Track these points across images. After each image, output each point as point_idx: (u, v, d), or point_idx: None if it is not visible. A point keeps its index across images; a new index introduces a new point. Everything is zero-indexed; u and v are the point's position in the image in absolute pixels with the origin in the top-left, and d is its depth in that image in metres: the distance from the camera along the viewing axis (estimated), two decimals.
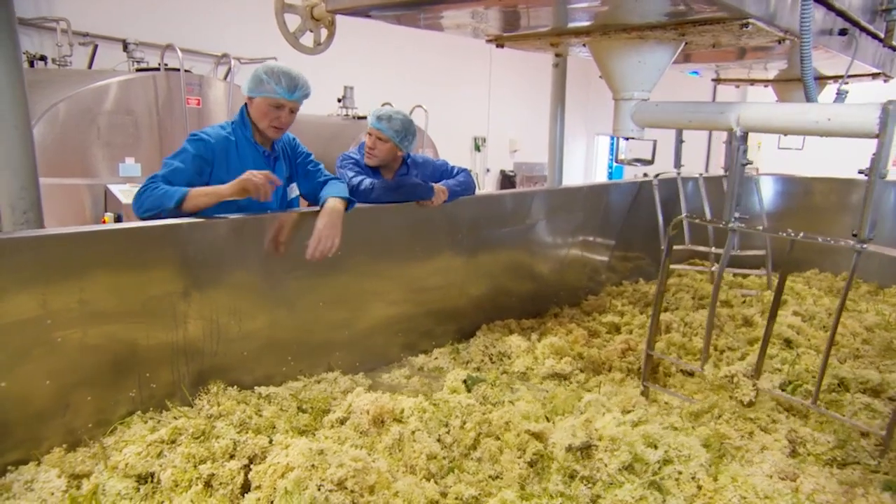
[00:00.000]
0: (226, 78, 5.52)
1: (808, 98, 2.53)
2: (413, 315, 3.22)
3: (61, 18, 4.96)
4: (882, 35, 3.33)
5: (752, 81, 4.74)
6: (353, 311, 2.93)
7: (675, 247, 3.53)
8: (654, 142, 2.93)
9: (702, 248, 4.50)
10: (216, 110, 4.84)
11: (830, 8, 2.72)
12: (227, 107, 4.88)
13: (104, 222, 4.10)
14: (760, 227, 3.13)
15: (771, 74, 4.34)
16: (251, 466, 1.86)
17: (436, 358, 3.14)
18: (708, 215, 4.42)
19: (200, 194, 2.34)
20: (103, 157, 4.21)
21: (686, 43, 2.67)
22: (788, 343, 3.26)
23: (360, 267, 2.88)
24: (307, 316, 2.74)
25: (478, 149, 9.85)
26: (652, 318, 2.69)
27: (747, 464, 2.06)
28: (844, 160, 3.24)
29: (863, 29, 3.09)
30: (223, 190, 2.36)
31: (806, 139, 5.16)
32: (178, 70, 4.56)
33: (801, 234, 2.20)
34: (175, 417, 2.16)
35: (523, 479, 1.94)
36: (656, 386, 2.73)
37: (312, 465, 1.76)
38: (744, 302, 4.15)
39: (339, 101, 6.58)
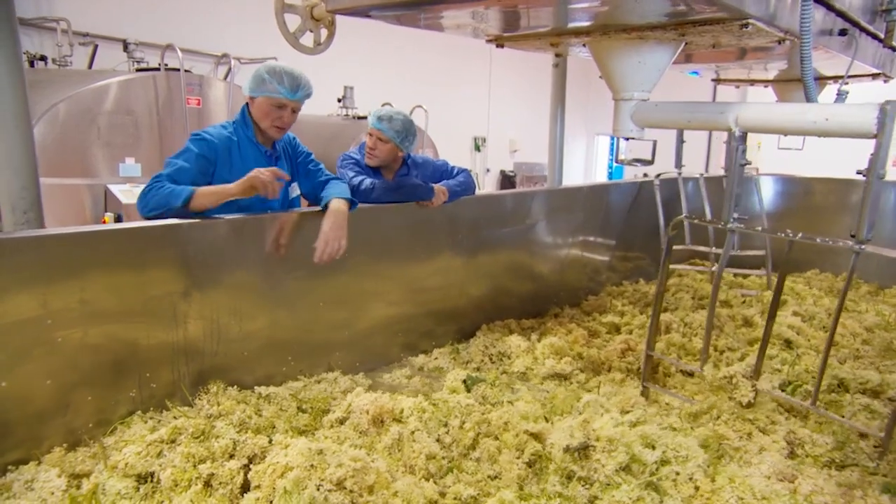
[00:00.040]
0: (226, 78, 5.52)
1: (809, 98, 2.53)
2: (413, 315, 3.22)
3: (61, 18, 4.96)
4: (882, 35, 3.33)
5: (752, 82, 4.74)
6: (353, 311, 2.94)
7: (675, 247, 3.54)
8: (654, 142, 2.93)
9: (702, 249, 4.50)
10: (216, 110, 4.84)
11: (830, 8, 2.72)
12: (227, 107, 4.89)
13: (104, 222, 4.10)
14: (759, 228, 3.13)
15: (771, 75, 4.34)
16: (251, 466, 1.87)
17: (436, 358, 3.14)
18: (708, 215, 4.43)
19: (207, 193, 2.34)
20: (103, 157, 4.21)
21: (686, 43, 2.67)
22: (788, 343, 3.26)
23: (361, 267, 2.89)
24: (307, 316, 2.74)
25: (478, 149, 9.86)
26: (652, 318, 2.69)
27: (745, 465, 2.06)
28: (844, 160, 3.24)
29: (863, 29, 3.09)
30: (231, 189, 2.35)
31: (806, 139, 5.16)
32: (179, 70, 4.56)
33: (800, 235, 2.20)
34: (175, 417, 2.16)
35: (522, 479, 1.94)
36: (656, 386, 2.73)
37: (312, 465, 1.76)
38: (743, 302, 4.15)
39: (339, 101, 6.59)
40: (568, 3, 2.27)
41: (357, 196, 2.81)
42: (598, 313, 3.90)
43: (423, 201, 3.11)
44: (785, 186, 5.54)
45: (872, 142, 1.98)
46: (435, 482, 1.91)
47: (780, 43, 2.65)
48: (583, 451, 1.96)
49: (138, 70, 4.82)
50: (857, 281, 4.84)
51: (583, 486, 1.87)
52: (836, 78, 4.10)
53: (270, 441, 1.98)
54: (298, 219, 2.63)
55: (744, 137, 2.32)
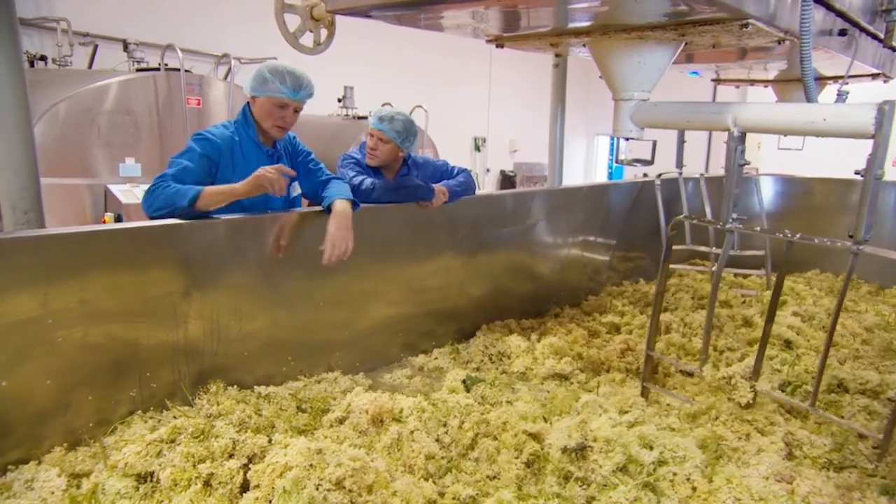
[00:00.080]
0: (226, 78, 5.53)
1: (809, 98, 2.53)
2: (413, 315, 3.23)
3: (61, 18, 4.97)
4: (882, 35, 3.33)
5: (752, 82, 4.74)
6: (353, 311, 2.94)
7: (675, 247, 3.53)
8: (654, 142, 2.93)
9: (702, 249, 4.50)
10: (216, 110, 4.85)
11: (830, 8, 2.72)
12: (227, 107, 4.89)
13: (104, 222, 4.10)
14: (758, 228, 3.13)
15: (771, 75, 4.34)
16: (250, 466, 1.87)
17: (436, 358, 3.14)
18: (709, 215, 4.43)
19: (214, 193, 2.33)
20: (103, 157, 4.22)
21: (686, 43, 2.67)
22: (788, 344, 3.25)
23: (361, 267, 2.89)
24: (307, 316, 2.75)
25: (478, 149, 9.86)
26: (651, 318, 2.69)
27: (743, 465, 2.05)
28: (844, 160, 3.24)
29: (862, 29, 3.09)
30: (237, 188, 2.34)
31: (806, 140, 5.16)
32: (179, 70, 4.57)
33: (798, 235, 2.20)
34: (175, 417, 2.16)
35: (520, 479, 1.94)
36: (656, 387, 2.73)
37: (311, 465, 1.76)
38: (743, 302, 4.15)
39: (340, 101, 6.59)
40: (568, 4, 2.27)
41: (357, 196, 2.82)
42: (598, 313, 3.90)
43: (423, 202, 3.11)
44: (785, 186, 5.54)
45: (871, 142, 1.98)
46: (434, 482, 1.92)
47: (779, 43, 2.65)
48: (580, 452, 1.96)
49: (138, 70, 4.82)
50: (858, 281, 4.84)
51: (580, 486, 1.87)
52: (835, 78, 4.10)
53: (270, 441, 1.98)
54: (299, 219, 2.64)
55: (742, 138, 2.32)
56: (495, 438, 2.11)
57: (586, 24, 2.55)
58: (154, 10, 5.87)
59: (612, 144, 12.52)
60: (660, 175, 4.59)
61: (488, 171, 10.03)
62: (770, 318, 2.33)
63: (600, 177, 12.60)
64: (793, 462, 2.14)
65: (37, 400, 1.97)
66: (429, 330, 3.30)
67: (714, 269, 3.97)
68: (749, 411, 2.41)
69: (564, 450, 1.95)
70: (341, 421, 2.26)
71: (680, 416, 2.42)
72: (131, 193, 4.17)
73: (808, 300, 4.15)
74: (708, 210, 4.49)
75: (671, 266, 4.46)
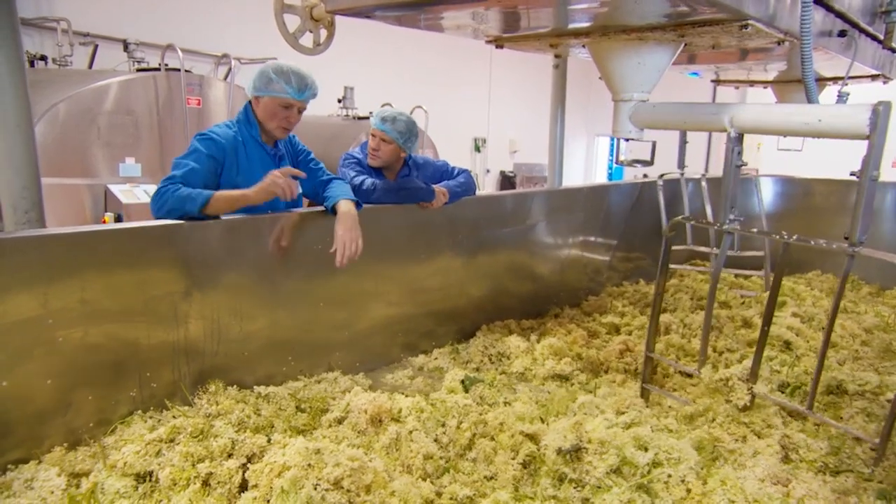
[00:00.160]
0: (226, 78, 5.53)
1: (810, 99, 2.52)
2: (413, 315, 3.23)
3: (62, 18, 4.97)
4: (881, 37, 3.34)
5: (752, 83, 4.74)
6: (353, 311, 2.94)
7: (675, 247, 3.53)
8: (654, 143, 2.94)
9: (702, 249, 4.50)
10: (216, 110, 4.85)
11: (830, 9, 2.72)
12: (227, 107, 4.90)
13: (104, 222, 4.11)
14: (755, 230, 3.12)
15: (770, 76, 4.34)
16: (249, 465, 1.87)
17: (436, 358, 3.15)
18: (709, 216, 4.43)
19: (225, 198, 2.33)
20: (103, 157, 4.22)
21: (685, 44, 2.68)
22: (788, 345, 3.25)
23: (361, 267, 2.88)
24: (308, 316, 2.75)
25: (478, 149, 9.86)
26: (651, 319, 2.69)
27: (739, 467, 2.04)
28: (844, 161, 3.24)
29: (862, 31, 3.09)
30: (249, 195, 2.34)
31: (806, 140, 5.17)
32: (179, 70, 4.57)
33: (795, 237, 2.20)
34: (174, 417, 2.17)
35: (517, 480, 1.94)
36: (655, 388, 2.73)
37: (309, 465, 1.76)
38: (743, 303, 4.15)
39: (340, 101, 6.60)
40: (568, 4, 2.27)
41: (358, 196, 2.82)
42: (598, 314, 3.91)
43: (423, 202, 3.11)
44: (785, 187, 5.54)
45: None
46: (432, 482, 1.92)
47: (779, 44, 2.65)
48: (575, 454, 1.95)
49: (138, 70, 4.82)
50: (859, 282, 4.84)
51: (574, 488, 1.87)
52: (835, 79, 4.10)
53: (269, 440, 1.98)
54: (299, 219, 2.64)
55: (739, 139, 2.32)
56: (492, 439, 2.11)
57: (586, 24, 2.55)
58: (154, 10, 5.88)
59: (611, 145, 12.52)
60: (662, 176, 4.59)
61: (488, 171, 10.03)
62: (767, 320, 2.32)
63: (600, 178, 12.60)
64: (789, 465, 2.13)
65: (37, 400, 1.97)
66: (429, 330, 3.31)
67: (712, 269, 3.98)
68: (746, 413, 2.40)
69: (559, 451, 1.95)
70: (340, 421, 2.26)
71: (677, 417, 2.42)
72: (131, 193, 4.17)
73: (807, 301, 4.14)
74: (709, 211, 4.50)
75: (671, 267, 4.47)
